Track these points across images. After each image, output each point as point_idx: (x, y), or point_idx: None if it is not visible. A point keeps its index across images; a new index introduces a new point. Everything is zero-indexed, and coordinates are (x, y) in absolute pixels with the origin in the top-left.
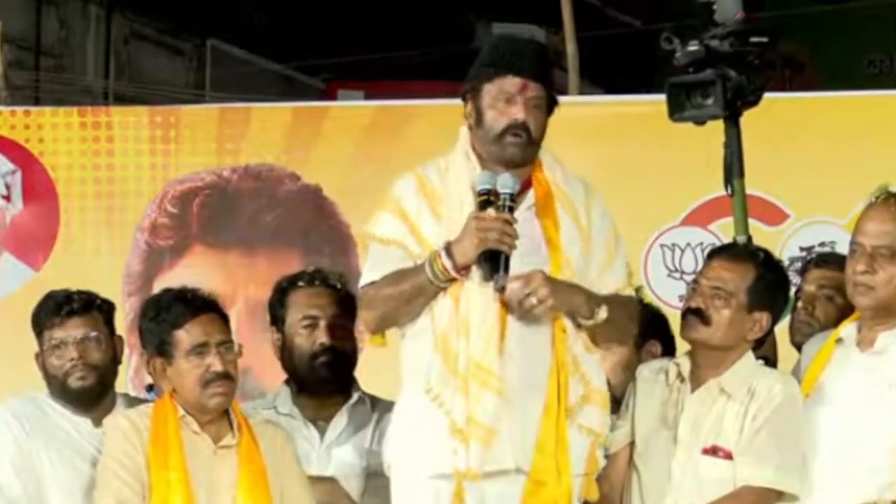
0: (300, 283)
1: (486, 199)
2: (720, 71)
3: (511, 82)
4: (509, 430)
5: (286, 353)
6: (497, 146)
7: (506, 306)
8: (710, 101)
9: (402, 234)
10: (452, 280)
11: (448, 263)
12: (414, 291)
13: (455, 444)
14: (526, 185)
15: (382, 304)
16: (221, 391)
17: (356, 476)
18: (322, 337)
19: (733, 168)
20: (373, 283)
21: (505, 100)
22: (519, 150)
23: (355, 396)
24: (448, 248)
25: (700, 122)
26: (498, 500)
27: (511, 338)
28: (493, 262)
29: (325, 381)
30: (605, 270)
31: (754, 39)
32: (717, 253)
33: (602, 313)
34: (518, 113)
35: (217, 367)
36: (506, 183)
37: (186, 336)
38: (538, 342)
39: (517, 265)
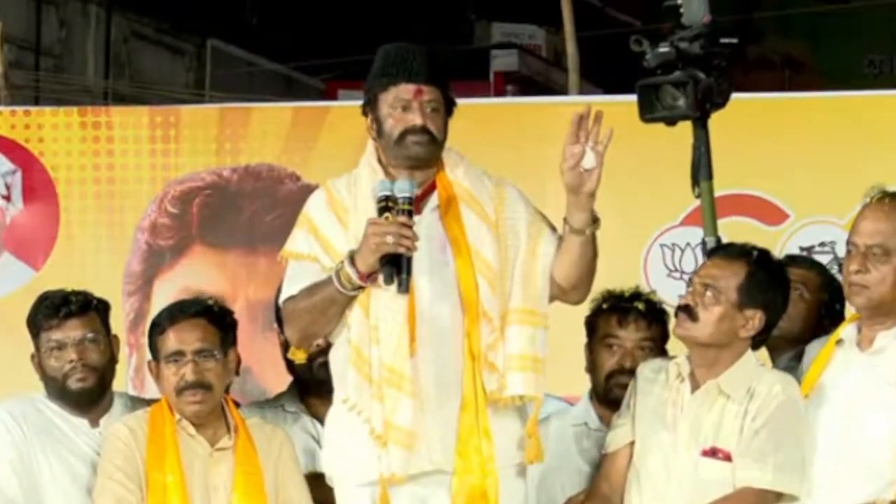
0: None
1: (385, 205)
2: (689, 73)
3: (405, 89)
4: (428, 432)
5: (288, 355)
6: (399, 147)
7: (414, 309)
8: (680, 102)
9: (314, 249)
10: (360, 288)
11: (352, 272)
12: (326, 302)
13: (377, 450)
14: (431, 188)
15: (299, 318)
16: (195, 400)
17: None
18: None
19: (701, 170)
20: (291, 297)
21: (402, 107)
22: (422, 148)
23: None
24: (351, 257)
25: (671, 122)
26: (423, 502)
27: (421, 340)
28: (393, 265)
29: (324, 382)
30: (539, 240)
31: (724, 41)
32: (713, 252)
33: (595, 227)
34: (416, 118)
35: (189, 376)
36: (403, 187)
37: (166, 343)
38: (449, 341)
39: (425, 266)
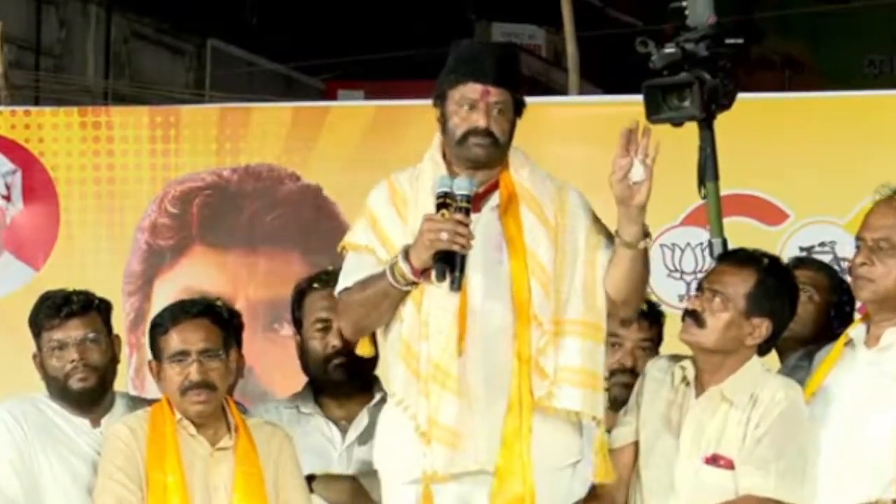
0: (315, 286)
1: (443, 202)
2: (695, 73)
3: (472, 89)
4: (474, 432)
5: (303, 356)
6: (461, 149)
7: (465, 308)
8: (686, 103)
9: (372, 242)
10: (413, 283)
11: (405, 267)
12: (379, 296)
13: (422, 447)
14: (493, 187)
15: (353, 310)
16: (199, 400)
17: (377, 475)
18: (335, 340)
19: (707, 170)
20: (346, 289)
21: (468, 106)
22: (483, 151)
23: (377, 397)
24: (406, 252)
25: (678, 123)
26: (466, 502)
27: (471, 338)
28: (447, 262)
29: (339, 383)
30: (598, 251)
31: (730, 41)
32: (723, 257)
33: (648, 241)
34: (479, 119)
35: (194, 376)
36: (461, 185)
37: (169, 342)
38: (499, 341)
39: (479, 264)
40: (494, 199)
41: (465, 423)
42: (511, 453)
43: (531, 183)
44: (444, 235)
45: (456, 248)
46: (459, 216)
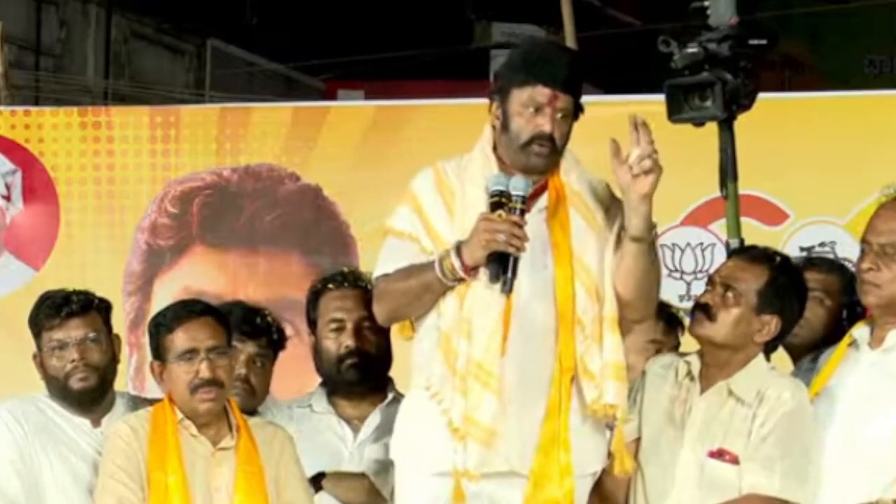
0: (330, 286)
1: (498, 201)
2: (717, 73)
3: (541, 92)
4: (508, 433)
5: (317, 356)
6: (521, 154)
7: (510, 309)
8: (708, 103)
9: (416, 229)
10: (460, 280)
11: (457, 263)
12: (422, 288)
13: (454, 443)
14: (542, 188)
15: (392, 298)
16: (209, 397)
17: (388, 474)
18: (348, 340)
19: (728, 171)
20: (385, 275)
21: (534, 109)
22: (542, 161)
23: (390, 397)
24: (458, 248)
25: (699, 123)
26: (497, 501)
27: (513, 340)
28: (501, 263)
29: (352, 383)
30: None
31: (753, 42)
32: (736, 252)
33: (654, 234)
34: (546, 125)
35: (205, 373)
36: (517, 185)
37: (177, 341)
38: (538, 343)
39: (525, 266)
40: (542, 200)
41: (500, 423)
42: (548, 458)
43: (580, 186)
44: (501, 237)
45: (511, 250)
46: (516, 217)
